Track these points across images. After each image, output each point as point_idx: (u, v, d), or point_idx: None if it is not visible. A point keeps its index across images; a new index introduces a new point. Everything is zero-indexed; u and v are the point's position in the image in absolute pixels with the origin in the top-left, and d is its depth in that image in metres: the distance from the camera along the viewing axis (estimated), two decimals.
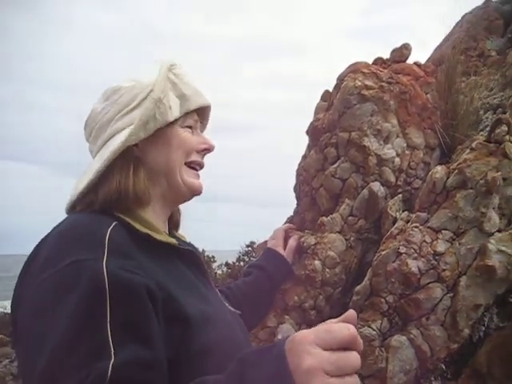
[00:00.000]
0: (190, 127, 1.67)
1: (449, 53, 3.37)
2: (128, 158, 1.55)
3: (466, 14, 5.12)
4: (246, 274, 2.35)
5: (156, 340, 1.25)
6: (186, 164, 1.66)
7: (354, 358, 1.07)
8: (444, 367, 2.38)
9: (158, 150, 1.61)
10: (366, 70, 2.62)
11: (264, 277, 2.32)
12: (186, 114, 1.64)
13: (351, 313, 1.13)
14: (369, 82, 2.57)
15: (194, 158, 1.68)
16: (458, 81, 2.92)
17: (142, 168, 1.58)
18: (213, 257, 12.57)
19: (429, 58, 4.80)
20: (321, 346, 1.05)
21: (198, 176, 1.71)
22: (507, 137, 2.36)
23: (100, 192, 1.51)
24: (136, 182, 1.53)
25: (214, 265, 12.29)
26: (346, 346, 1.07)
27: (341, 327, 1.08)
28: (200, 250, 13.05)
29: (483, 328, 2.40)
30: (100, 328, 1.18)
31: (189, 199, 1.75)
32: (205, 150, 1.70)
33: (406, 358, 2.33)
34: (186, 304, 1.39)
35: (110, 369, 1.12)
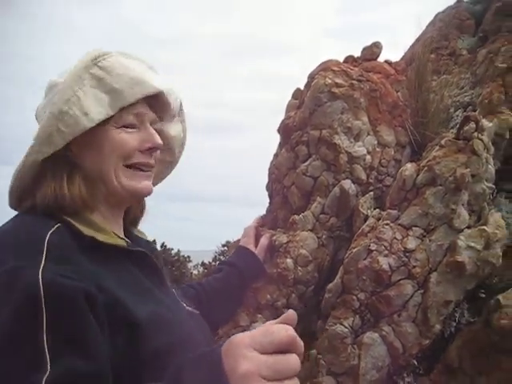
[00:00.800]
0: (129, 124, 1.53)
1: (419, 51, 3.40)
2: (60, 163, 1.48)
3: (439, 13, 5.17)
4: (217, 271, 2.36)
5: (96, 349, 1.20)
6: (128, 166, 1.55)
7: (292, 360, 1.05)
8: (416, 363, 2.40)
9: (92, 155, 1.50)
10: (336, 68, 2.62)
11: (234, 273, 2.32)
12: (123, 110, 1.49)
13: (291, 313, 1.10)
14: (339, 80, 2.57)
15: (137, 158, 1.55)
16: (429, 79, 2.94)
17: (78, 173, 1.50)
18: (188, 257, 12.58)
19: (403, 57, 4.84)
20: (258, 350, 1.03)
21: (146, 177, 1.59)
22: (475, 134, 2.38)
23: (37, 195, 1.46)
24: (70, 189, 1.46)
25: (190, 264, 12.29)
26: (284, 349, 1.05)
27: (279, 329, 1.05)
28: (175, 249, 13.04)
29: (454, 324, 2.43)
30: (35, 339, 1.14)
31: (138, 201, 1.67)
32: (150, 149, 1.56)
33: (378, 354, 2.34)
34: (134, 308, 1.34)
35: (43, 383, 1.08)
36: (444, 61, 4.20)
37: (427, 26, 5.20)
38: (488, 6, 4.54)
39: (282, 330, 1.05)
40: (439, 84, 3.44)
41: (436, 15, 5.17)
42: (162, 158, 1.78)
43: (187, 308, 1.71)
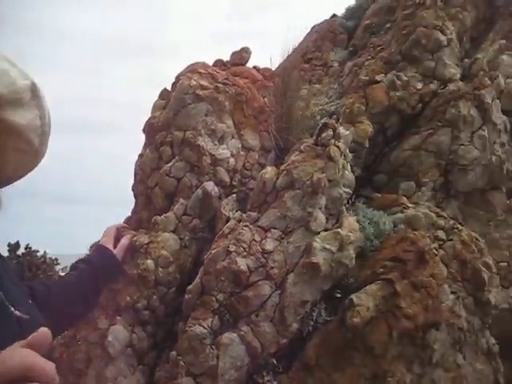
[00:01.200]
0: None
1: (294, 60, 3.53)
2: None
3: (315, 25, 5.39)
4: (73, 269, 2.29)
5: None
6: None
7: None
8: (275, 362, 2.45)
9: None
10: (202, 71, 2.65)
11: (88, 271, 2.26)
12: None
13: (41, 333, 0.93)
14: (204, 82, 2.60)
15: None
16: (294, 87, 3.02)
17: None
18: (56, 259, 12.31)
19: (280, 65, 4.98)
20: None
21: None
22: (332, 141, 2.49)
23: None
24: None
25: (58, 267, 12.08)
26: (19, 379, 0.87)
27: (13, 356, 0.89)
28: (42, 251, 12.58)
29: (312, 323, 2.51)
30: None
31: None
32: None
33: (236, 354, 2.36)
34: None
35: None
36: (316, 71, 4.39)
37: (305, 37, 5.40)
38: (359, 23, 4.81)
39: (15, 356, 0.87)
40: (310, 92, 3.58)
41: (313, 27, 5.38)
42: (17, 146, 1.66)
43: (15, 313, 1.56)
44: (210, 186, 2.60)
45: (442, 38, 3.39)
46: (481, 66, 3.37)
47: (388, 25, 4.01)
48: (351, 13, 5.12)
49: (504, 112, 3.29)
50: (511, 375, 3.21)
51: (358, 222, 2.68)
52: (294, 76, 2.96)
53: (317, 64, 4.50)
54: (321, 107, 3.36)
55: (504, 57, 3.42)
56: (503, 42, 3.53)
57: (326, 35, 4.98)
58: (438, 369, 2.66)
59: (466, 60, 3.54)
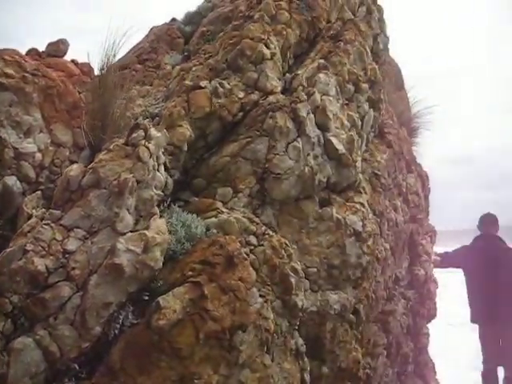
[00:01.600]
0: None
1: (127, 59, 3.46)
2: None
3: (154, 27, 5.35)
4: None
5: None
6: None
7: None
8: (78, 367, 2.37)
9: None
10: (8, 58, 2.51)
11: None
12: None
13: None
14: (10, 71, 2.46)
15: None
16: (119, 86, 2.96)
17: None
18: None
19: (114, 64, 4.86)
20: None
21: None
22: (143, 141, 2.47)
23: None
24: None
25: None
26: None
27: None
28: None
29: (118, 326, 2.46)
30: None
31: None
32: None
33: (31, 360, 2.24)
34: None
35: None
36: (149, 72, 4.35)
37: (143, 38, 5.34)
38: (196, 29, 4.86)
39: None
40: (139, 93, 3.55)
41: (151, 29, 5.34)
42: None
43: None
44: (11, 180, 2.47)
45: (266, 51, 3.53)
46: (300, 81, 3.55)
47: (221, 34, 4.09)
48: (190, 18, 5.14)
49: (319, 126, 3.49)
50: (317, 373, 3.42)
51: (170, 224, 2.69)
52: (124, 75, 2.90)
53: (150, 65, 4.47)
54: (144, 108, 3.33)
55: (321, 75, 3.62)
56: (322, 61, 3.74)
57: (164, 38, 4.97)
58: (245, 369, 2.75)
59: (287, 75, 3.71)
